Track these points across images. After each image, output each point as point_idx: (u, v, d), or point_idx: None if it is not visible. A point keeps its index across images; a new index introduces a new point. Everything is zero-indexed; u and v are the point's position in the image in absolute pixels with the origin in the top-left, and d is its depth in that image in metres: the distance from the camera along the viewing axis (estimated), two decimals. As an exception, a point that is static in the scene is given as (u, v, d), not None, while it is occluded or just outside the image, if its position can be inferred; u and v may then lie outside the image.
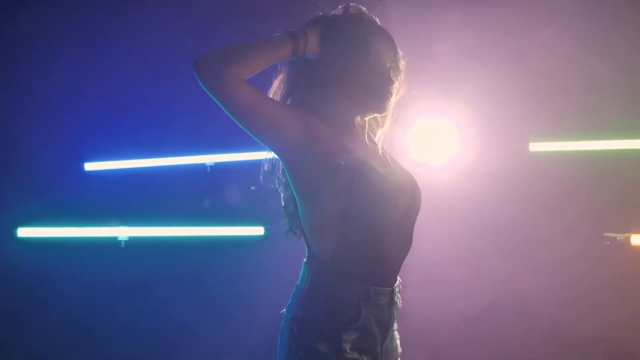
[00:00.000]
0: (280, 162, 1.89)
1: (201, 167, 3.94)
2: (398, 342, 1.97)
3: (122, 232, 3.89)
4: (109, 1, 3.90)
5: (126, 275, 3.89)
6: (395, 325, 1.94)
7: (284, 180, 1.92)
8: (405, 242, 1.91)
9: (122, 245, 3.88)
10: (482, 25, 3.60)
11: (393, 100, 1.92)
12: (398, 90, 1.93)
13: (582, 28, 3.48)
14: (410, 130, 3.69)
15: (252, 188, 3.68)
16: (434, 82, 3.61)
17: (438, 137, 3.71)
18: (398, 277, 1.91)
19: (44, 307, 3.89)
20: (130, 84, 3.90)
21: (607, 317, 3.49)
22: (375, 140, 2.00)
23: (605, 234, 3.33)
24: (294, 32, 1.83)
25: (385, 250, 1.83)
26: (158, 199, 3.95)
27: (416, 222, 1.92)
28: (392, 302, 1.87)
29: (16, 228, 3.92)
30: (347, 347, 1.78)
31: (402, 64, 1.92)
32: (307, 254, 1.89)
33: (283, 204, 1.96)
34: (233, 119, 1.79)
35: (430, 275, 3.64)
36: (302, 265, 1.89)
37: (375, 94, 1.88)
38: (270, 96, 1.89)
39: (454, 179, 3.70)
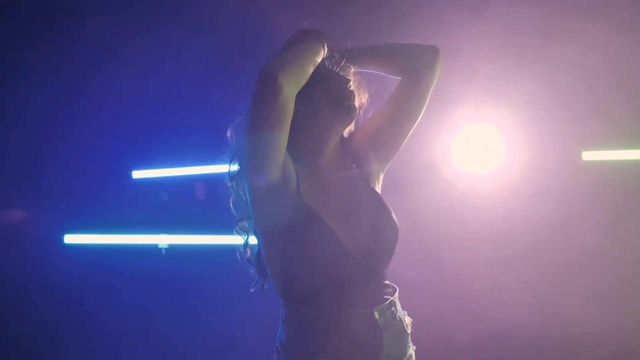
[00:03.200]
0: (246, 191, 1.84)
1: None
2: None
3: (163, 240, 3.90)
4: (163, 13, 3.92)
5: (167, 281, 3.89)
6: (411, 349, 1.85)
7: (251, 229, 1.89)
8: (371, 273, 1.81)
9: (163, 252, 3.89)
10: (532, 28, 3.39)
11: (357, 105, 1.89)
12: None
13: (637, 31, 3.21)
14: (454, 137, 3.52)
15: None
16: (479, 85, 3.42)
17: (484, 145, 3.50)
18: (389, 297, 1.81)
19: (88, 311, 3.95)
20: (178, 93, 3.91)
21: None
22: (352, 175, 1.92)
23: (661, 252, 3.04)
24: (322, 39, 1.80)
25: (343, 281, 1.75)
26: (203, 206, 3.93)
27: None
28: (375, 325, 1.75)
29: (63, 235, 3.99)
30: None
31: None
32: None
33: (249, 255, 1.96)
34: (252, 127, 1.71)
35: (471, 295, 3.44)
36: None
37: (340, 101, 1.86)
38: None
39: (500, 190, 3.48)
